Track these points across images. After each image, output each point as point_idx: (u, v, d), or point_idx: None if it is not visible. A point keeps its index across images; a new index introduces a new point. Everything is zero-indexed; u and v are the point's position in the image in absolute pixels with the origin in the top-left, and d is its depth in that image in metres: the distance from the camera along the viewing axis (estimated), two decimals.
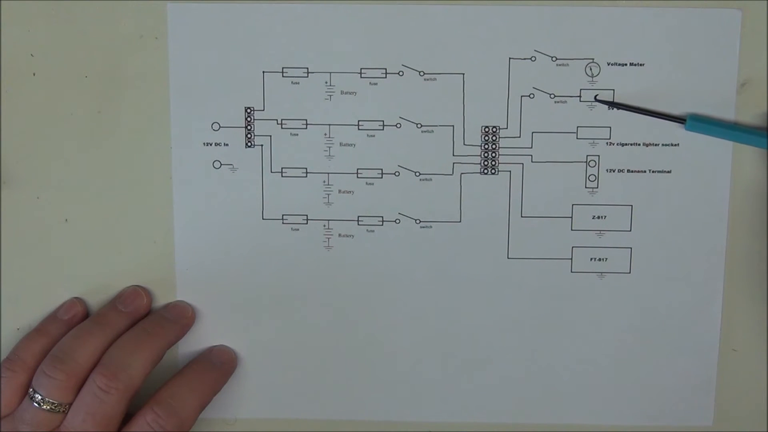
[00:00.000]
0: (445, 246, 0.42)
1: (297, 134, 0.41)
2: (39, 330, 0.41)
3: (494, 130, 0.41)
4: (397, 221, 0.41)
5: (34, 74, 0.41)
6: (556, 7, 0.39)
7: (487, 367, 0.42)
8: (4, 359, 0.40)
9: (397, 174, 0.41)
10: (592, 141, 0.41)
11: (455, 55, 0.40)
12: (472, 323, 0.42)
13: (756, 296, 0.41)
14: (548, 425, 0.43)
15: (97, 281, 0.42)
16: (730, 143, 0.40)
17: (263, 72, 0.40)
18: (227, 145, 0.41)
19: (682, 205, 0.41)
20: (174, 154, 0.41)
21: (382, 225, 0.41)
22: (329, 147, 0.41)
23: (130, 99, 0.41)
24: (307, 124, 0.41)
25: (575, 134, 0.41)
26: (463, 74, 0.40)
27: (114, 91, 0.41)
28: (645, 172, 0.41)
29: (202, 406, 0.40)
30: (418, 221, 0.41)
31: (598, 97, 0.40)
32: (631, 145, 0.41)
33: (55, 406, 0.38)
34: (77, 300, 0.42)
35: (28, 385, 0.39)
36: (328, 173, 0.41)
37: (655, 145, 0.40)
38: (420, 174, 0.41)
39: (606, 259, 0.41)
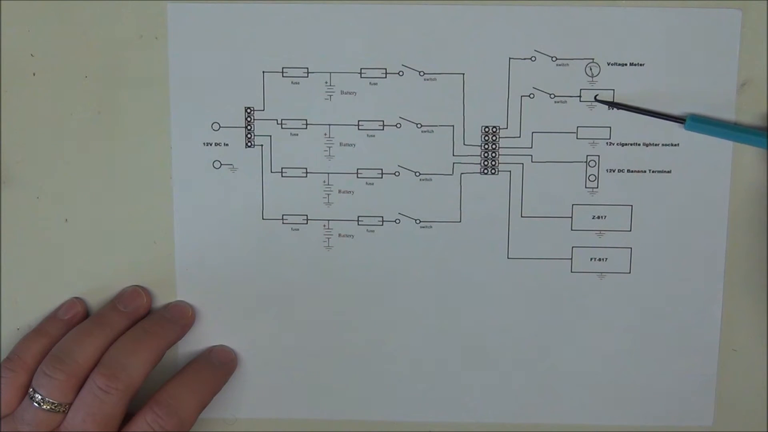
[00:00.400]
0: (445, 246, 0.42)
1: (297, 134, 0.41)
2: (39, 330, 0.41)
3: (494, 130, 0.41)
4: (397, 221, 0.41)
5: (34, 74, 0.41)
6: (556, 7, 0.39)
7: (487, 367, 0.42)
8: (4, 359, 0.40)
9: (397, 174, 0.41)
10: (592, 141, 0.41)
11: (455, 55, 0.40)
12: (472, 323, 0.42)
13: (756, 296, 0.41)
14: (548, 425, 0.43)
15: (97, 281, 0.42)
16: (730, 143, 0.40)
17: (263, 72, 0.40)
18: (227, 145, 0.41)
19: (682, 205, 0.41)
20: (174, 154, 0.41)
21: (382, 225, 0.41)
22: (329, 147, 0.41)
23: (130, 99, 0.41)
24: (307, 124, 0.41)
25: (575, 134, 0.41)
26: (463, 74, 0.40)
27: (114, 91, 0.41)
28: (645, 172, 0.41)
29: (202, 406, 0.40)
30: (418, 221, 0.41)
31: (598, 97, 0.40)
32: (631, 145, 0.41)
33: (55, 406, 0.38)
34: (77, 300, 0.42)
35: (28, 385, 0.39)
36: (328, 173, 0.41)
37: (655, 145, 0.40)
38: (420, 174, 0.41)
39: (606, 259, 0.41)
